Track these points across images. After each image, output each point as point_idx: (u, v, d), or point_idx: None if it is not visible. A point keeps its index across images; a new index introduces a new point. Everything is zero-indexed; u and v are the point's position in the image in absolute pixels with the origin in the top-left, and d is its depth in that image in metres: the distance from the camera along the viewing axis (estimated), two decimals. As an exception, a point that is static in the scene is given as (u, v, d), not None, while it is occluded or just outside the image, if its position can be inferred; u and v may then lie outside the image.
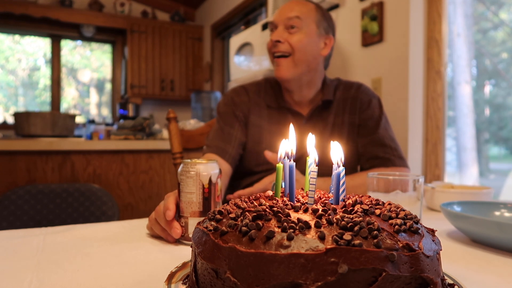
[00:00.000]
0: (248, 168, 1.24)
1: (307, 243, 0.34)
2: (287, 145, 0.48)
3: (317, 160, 0.48)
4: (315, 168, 0.45)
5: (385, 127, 1.22)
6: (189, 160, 0.69)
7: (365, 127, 1.22)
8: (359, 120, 1.22)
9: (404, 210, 0.42)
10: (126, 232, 0.77)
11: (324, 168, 0.84)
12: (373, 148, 1.19)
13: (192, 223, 0.67)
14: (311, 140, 0.51)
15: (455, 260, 0.62)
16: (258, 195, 0.47)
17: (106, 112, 5.13)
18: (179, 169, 0.69)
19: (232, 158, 1.19)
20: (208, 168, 0.68)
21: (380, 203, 0.44)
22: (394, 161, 1.17)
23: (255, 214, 0.38)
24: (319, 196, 0.47)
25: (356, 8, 2.20)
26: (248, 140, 1.24)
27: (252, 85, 1.30)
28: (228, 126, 1.22)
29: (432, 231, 0.42)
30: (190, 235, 0.65)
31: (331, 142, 0.48)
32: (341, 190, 0.44)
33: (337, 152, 0.46)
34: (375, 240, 0.34)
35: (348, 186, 1.06)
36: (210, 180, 0.67)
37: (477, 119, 2.18)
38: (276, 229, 0.36)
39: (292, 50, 1.15)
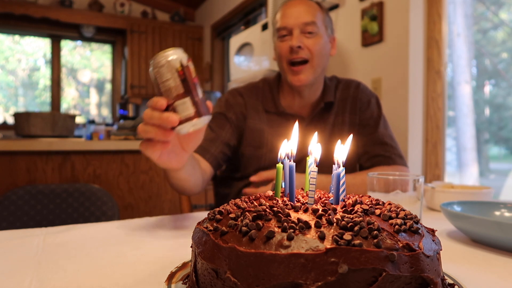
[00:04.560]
0: (248, 173, 1.21)
1: (307, 243, 0.34)
2: (288, 145, 0.48)
3: (317, 160, 0.48)
4: (315, 168, 0.45)
5: (384, 125, 1.22)
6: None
7: (365, 127, 1.21)
8: (359, 120, 1.22)
9: (404, 210, 0.42)
10: (126, 232, 0.77)
11: (325, 169, 0.84)
12: (374, 147, 1.19)
13: (180, 104, 0.65)
14: (314, 139, 0.51)
15: (455, 260, 0.62)
16: (258, 195, 0.47)
17: (106, 112, 5.13)
18: (150, 69, 0.68)
19: (214, 158, 1.14)
20: (176, 53, 0.67)
21: (380, 203, 0.44)
22: (394, 159, 1.17)
23: (255, 214, 0.38)
24: (319, 196, 0.47)
25: (356, 8, 2.20)
26: (247, 145, 1.22)
27: (249, 88, 1.28)
28: (217, 127, 1.19)
29: (432, 231, 0.42)
30: (182, 118, 0.65)
31: (337, 143, 0.48)
32: (341, 190, 0.44)
33: (341, 152, 0.46)
34: (375, 240, 0.34)
35: (349, 184, 1.05)
36: (181, 63, 0.67)
37: (477, 119, 2.17)
38: (276, 229, 0.36)
39: (311, 55, 1.12)
